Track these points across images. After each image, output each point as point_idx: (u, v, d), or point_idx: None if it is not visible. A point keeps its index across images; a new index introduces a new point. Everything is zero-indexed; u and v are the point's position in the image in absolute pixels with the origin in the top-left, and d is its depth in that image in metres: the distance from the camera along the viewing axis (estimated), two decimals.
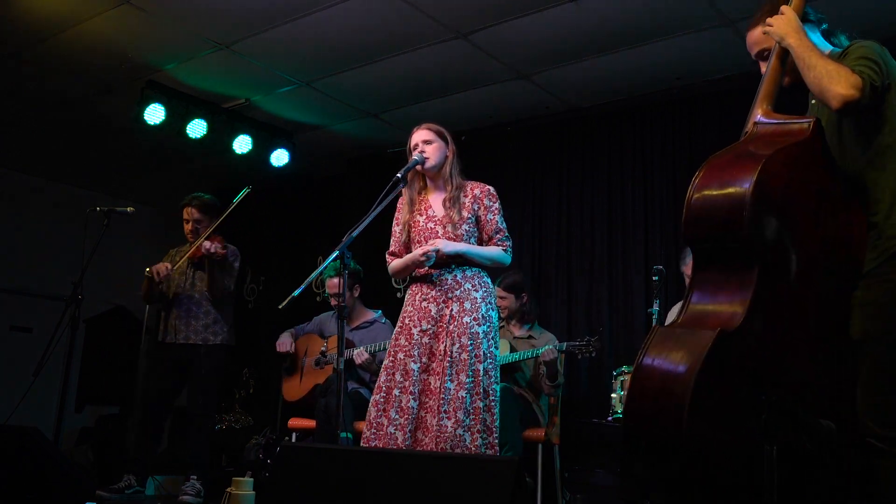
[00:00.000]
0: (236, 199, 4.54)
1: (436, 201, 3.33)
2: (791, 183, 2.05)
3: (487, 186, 3.34)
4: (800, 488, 1.96)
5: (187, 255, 4.54)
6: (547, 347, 4.27)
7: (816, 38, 2.31)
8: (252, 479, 2.99)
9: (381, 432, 3.06)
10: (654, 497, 2.03)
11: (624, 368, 4.16)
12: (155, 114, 5.24)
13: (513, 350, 4.41)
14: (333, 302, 4.87)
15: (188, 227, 4.64)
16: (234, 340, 4.69)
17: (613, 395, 4.18)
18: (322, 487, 2.19)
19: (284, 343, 4.85)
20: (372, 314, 4.84)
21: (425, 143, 3.28)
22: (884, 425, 2.02)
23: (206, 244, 4.40)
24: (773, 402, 1.77)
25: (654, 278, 4.09)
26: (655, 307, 4.03)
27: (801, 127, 2.12)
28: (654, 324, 3.97)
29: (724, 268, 2.04)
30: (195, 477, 4.39)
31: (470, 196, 3.28)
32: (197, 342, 4.52)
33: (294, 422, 4.78)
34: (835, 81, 2.06)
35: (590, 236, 5.31)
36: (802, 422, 1.85)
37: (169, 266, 4.51)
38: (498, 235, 3.28)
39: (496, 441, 3.05)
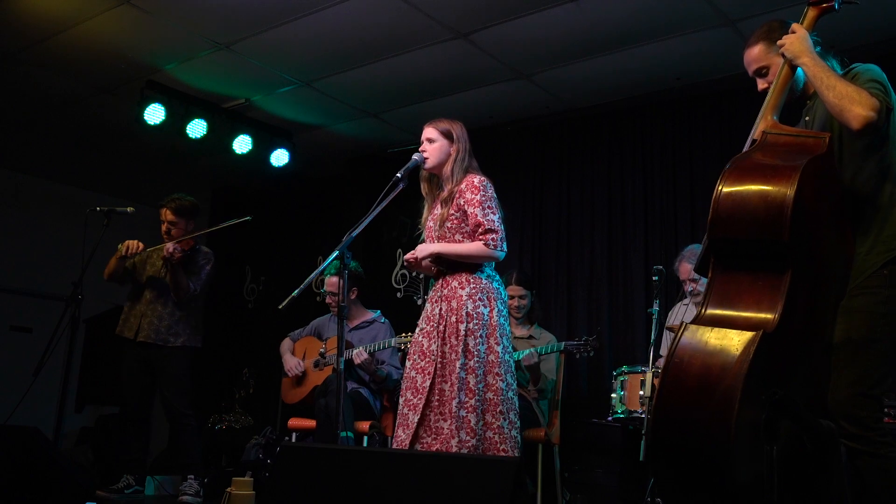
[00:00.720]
0: (231, 222, 4.58)
1: (439, 200, 3.33)
2: (815, 193, 2.11)
3: (474, 178, 3.17)
4: (800, 488, 1.96)
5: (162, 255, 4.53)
6: (529, 352, 4.25)
7: None
8: (252, 479, 3.00)
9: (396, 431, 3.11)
10: (665, 498, 2.02)
11: (624, 368, 4.16)
12: (155, 114, 5.24)
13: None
14: (329, 300, 4.86)
15: (163, 227, 4.64)
16: (198, 342, 4.62)
17: (613, 396, 4.17)
18: (322, 487, 2.19)
19: (293, 367, 4.81)
20: (371, 314, 4.84)
21: (428, 142, 3.26)
22: (860, 426, 2.08)
23: (169, 245, 4.39)
24: (774, 402, 1.77)
25: (654, 278, 4.09)
26: (655, 307, 4.02)
27: (817, 142, 2.19)
28: (654, 324, 3.97)
29: (751, 270, 2.07)
30: (192, 477, 4.39)
31: (457, 191, 3.20)
32: (157, 342, 4.48)
33: (294, 422, 4.78)
34: (856, 103, 2.14)
35: (590, 236, 5.31)
36: (803, 422, 1.85)
37: (142, 245, 4.48)
38: (479, 230, 3.11)
39: (479, 444, 2.96)
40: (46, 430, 3.35)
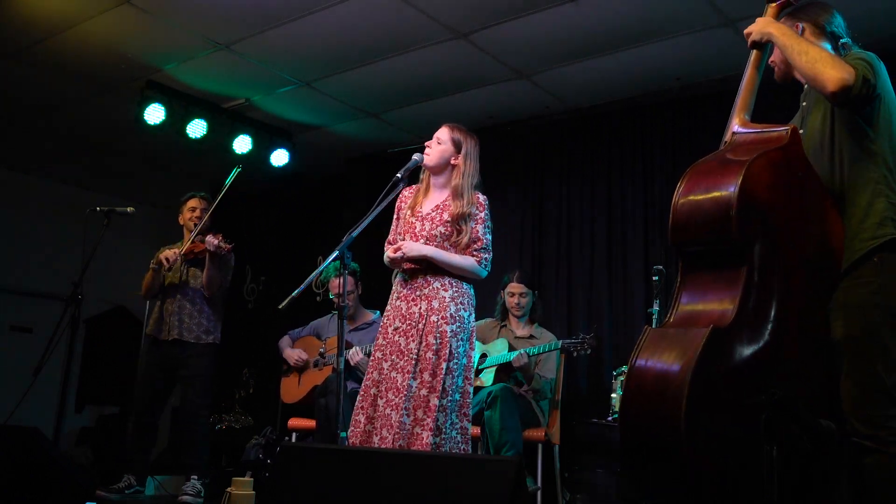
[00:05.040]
0: (228, 181, 4.58)
1: (429, 199, 3.31)
2: (774, 186, 2.11)
3: (478, 195, 3.25)
4: (800, 488, 1.96)
5: (184, 249, 4.52)
6: (520, 352, 4.24)
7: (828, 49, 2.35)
8: (252, 479, 2.99)
9: (358, 429, 3.07)
10: (654, 498, 2.03)
11: (624, 368, 4.15)
12: (155, 114, 5.24)
13: (511, 350, 4.40)
14: (336, 300, 4.86)
15: (195, 214, 4.64)
16: (219, 339, 4.65)
17: (613, 395, 4.18)
18: (322, 487, 2.19)
19: (297, 357, 4.81)
20: (371, 315, 4.84)
21: (437, 142, 3.27)
22: (870, 425, 2.05)
23: (212, 239, 4.38)
24: (774, 402, 1.77)
25: (654, 278, 4.09)
26: (655, 307, 4.03)
27: (779, 134, 2.20)
28: (654, 324, 3.97)
29: (712, 269, 2.09)
30: (195, 477, 4.39)
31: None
32: (189, 340, 4.49)
33: (294, 422, 4.78)
34: (829, 65, 2.11)
35: (590, 236, 5.31)
36: (803, 421, 1.85)
37: (176, 250, 4.49)
38: (475, 245, 3.16)
39: (443, 443, 2.98)
40: (46, 430, 3.35)
